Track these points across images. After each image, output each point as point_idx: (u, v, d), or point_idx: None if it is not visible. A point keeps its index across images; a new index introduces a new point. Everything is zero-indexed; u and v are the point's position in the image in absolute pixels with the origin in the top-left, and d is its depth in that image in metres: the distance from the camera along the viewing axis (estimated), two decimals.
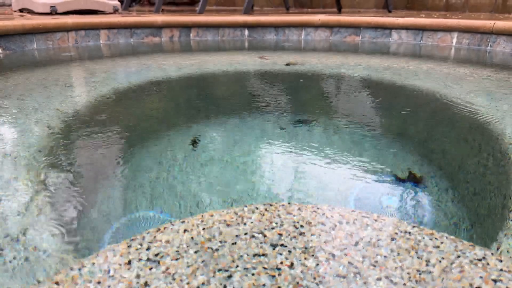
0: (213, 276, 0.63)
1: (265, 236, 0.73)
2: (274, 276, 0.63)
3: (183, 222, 0.78)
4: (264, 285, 0.61)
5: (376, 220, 0.79)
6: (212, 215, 0.80)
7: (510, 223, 0.96)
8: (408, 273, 0.64)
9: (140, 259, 0.67)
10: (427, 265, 0.66)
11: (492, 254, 0.70)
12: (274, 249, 0.69)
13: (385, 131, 1.87)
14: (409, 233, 0.75)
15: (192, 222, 0.78)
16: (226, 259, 0.67)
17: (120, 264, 0.66)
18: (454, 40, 4.42)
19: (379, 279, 0.62)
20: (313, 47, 4.56)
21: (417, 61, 3.54)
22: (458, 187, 1.33)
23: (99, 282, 0.62)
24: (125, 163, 1.49)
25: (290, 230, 0.75)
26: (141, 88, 2.47)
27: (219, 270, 0.64)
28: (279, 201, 1.20)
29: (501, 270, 0.65)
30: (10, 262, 0.80)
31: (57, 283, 0.62)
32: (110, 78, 2.66)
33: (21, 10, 5.36)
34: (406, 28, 4.70)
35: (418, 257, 0.68)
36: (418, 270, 0.64)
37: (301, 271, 0.64)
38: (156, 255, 0.68)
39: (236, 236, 0.73)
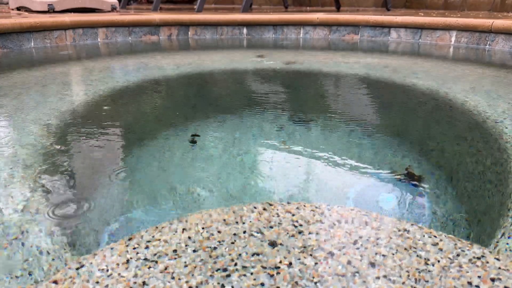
0: (212, 276, 0.63)
1: (263, 235, 0.73)
2: (272, 275, 0.63)
3: (181, 221, 0.78)
4: (262, 284, 0.61)
5: (375, 219, 0.79)
6: (210, 214, 0.80)
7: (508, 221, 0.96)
8: (407, 272, 0.64)
9: (138, 258, 0.67)
10: (426, 263, 0.66)
11: (491, 252, 0.70)
12: (272, 248, 0.69)
13: (383, 128, 1.87)
14: (408, 231, 0.75)
15: (190, 221, 0.78)
16: (224, 258, 0.67)
17: (118, 263, 0.66)
18: (453, 39, 4.42)
19: (378, 278, 0.62)
20: (312, 46, 4.55)
21: (416, 59, 3.54)
22: (456, 185, 1.33)
23: (97, 282, 0.62)
24: (122, 160, 1.48)
25: (288, 229, 0.75)
26: (139, 87, 2.47)
27: (218, 269, 0.64)
28: (277, 199, 1.20)
29: (499, 268, 0.65)
30: (6, 260, 0.79)
31: (55, 282, 0.62)
32: (108, 76, 2.65)
33: (18, 8, 5.34)
34: (405, 26, 4.70)
35: (417, 256, 0.67)
36: (417, 269, 0.64)
37: (300, 270, 0.64)
38: (155, 254, 0.68)
39: (235, 235, 0.73)
